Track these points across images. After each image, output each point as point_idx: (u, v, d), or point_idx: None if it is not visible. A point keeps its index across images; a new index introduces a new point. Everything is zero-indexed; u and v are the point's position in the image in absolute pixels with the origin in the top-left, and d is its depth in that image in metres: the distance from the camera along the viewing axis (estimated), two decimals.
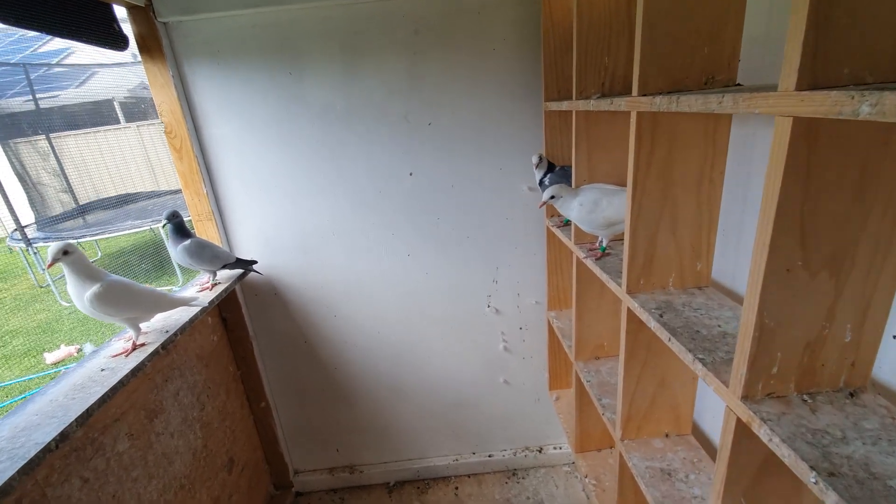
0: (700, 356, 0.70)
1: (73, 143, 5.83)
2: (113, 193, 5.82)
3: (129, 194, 5.80)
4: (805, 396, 0.58)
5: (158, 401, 1.37)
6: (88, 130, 6.07)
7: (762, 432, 0.55)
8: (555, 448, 2.06)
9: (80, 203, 5.59)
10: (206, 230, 1.62)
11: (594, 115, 1.18)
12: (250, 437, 1.86)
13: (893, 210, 0.51)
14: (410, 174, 1.61)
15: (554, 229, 1.52)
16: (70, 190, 5.62)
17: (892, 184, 0.49)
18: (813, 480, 0.48)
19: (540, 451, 2.06)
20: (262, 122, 1.53)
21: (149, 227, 5.10)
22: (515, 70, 1.51)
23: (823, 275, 0.53)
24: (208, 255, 1.42)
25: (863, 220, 0.51)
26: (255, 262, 1.63)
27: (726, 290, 0.96)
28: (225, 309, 1.72)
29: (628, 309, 0.95)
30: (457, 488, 2.02)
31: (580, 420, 1.51)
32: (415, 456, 2.06)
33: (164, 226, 1.33)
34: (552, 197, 1.14)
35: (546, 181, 1.42)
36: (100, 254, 5.86)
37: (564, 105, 1.26)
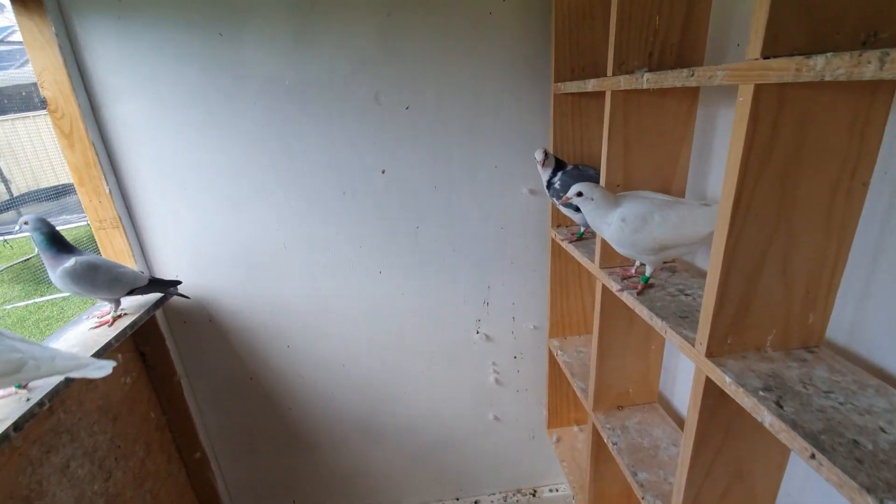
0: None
1: None
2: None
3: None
4: None
5: (35, 483, 0.99)
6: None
7: None
8: (551, 490, 1.78)
9: None
10: (110, 241, 1.22)
11: (637, 96, 0.86)
12: (182, 496, 1.48)
13: None
14: (383, 171, 1.26)
15: (564, 244, 1.21)
16: None
17: None
18: None
19: (534, 495, 1.77)
20: (183, 98, 1.15)
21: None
22: (517, 41, 1.19)
23: None
24: (104, 280, 1.03)
25: None
26: (178, 282, 1.25)
27: (842, 350, 0.67)
28: (142, 341, 1.33)
29: (707, 379, 0.64)
30: None
31: (595, 481, 1.21)
32: None
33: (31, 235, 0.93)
34: (580, 194, 0.81)
35: (556, 183, 1.10)
36: None
37: (591, 85, 0.95)
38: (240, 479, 1.61)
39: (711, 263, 0.60)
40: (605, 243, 0.97)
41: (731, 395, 0.59)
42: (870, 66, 0.38)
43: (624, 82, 0.81)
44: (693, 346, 0.67)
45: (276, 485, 1.64)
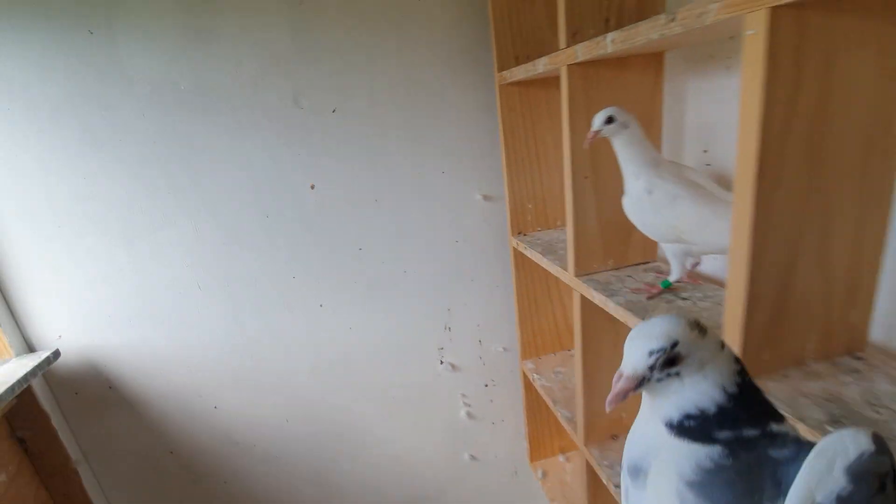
0: None
1: None
2: None
3: None
4: None
5: None
6: None
7: None
8: None
9: None
10: None
11: (597, 71, 0.73)
12: None
13: None
14: (312, 187, 1.07)
15: (528, 252, 1.06)
16: None
17: None
18: None
19: None
20: (51, 111, 0.91)
21: None
22: (453, 29, 1.05)
23: None
24: None
25: None
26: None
27: (884, 350, 0.54)
28: (19, 424, 1.05)
29: None
30: None
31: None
32: None
33: None
34: (611, 121, 0.65)
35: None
36: None
37: (542, 65, 0.81)
38: None
39: (733, 260, 0.46)
40: (579, 245, 0.82)
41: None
42: None
43: (582, 52, 0.67)
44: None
45: None
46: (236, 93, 0.98)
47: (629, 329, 0.65)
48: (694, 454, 0.32)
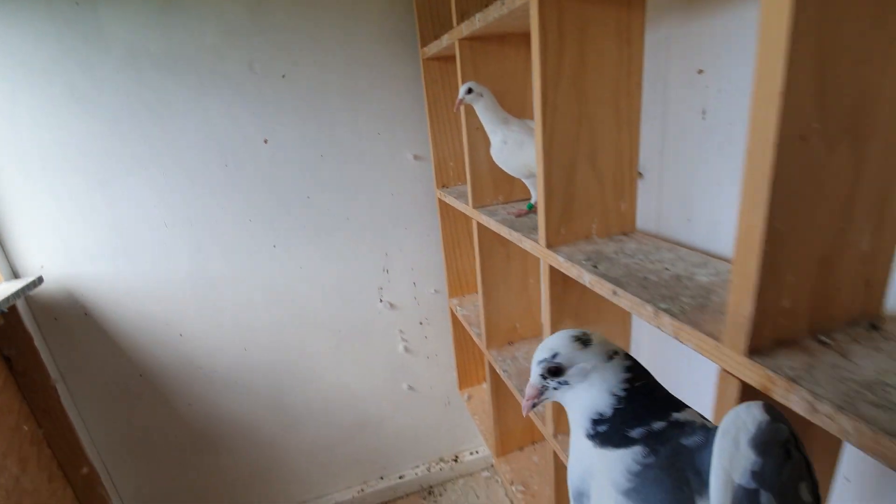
0: (663, 306, 0.50)
1: None
2: None
3: None
4: (822, 337, 0.40)
5: None
6: None
7: (796, 399, 0.35)
8: (471, 454, 1.84)
9: None
10: None
11: (482, 45, 0.97)
12: None
13: None
14: (265, 141, 1.27)
15: (446, 198, 1.29)
16: None
17: None
18: None
19: (456, 461, 1.82)
20: (38, 69, 1.07)
21: None
22: (385, 8, 1.26)
23: (843, 148, 0.35)
24: None
25: (882, 60, 0.34)
26: None
27: (652, 234, 0.80)
28: (6, 343, 1.20)
29: (551, 268, 0.74)
30: None
31: (499, 418, 1.29)
32: (311, 496, 1.70)
33: None
34: (470, 91, 0.88)
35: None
36: None
37: (445, 41, 1.04)
38: (139, 493, 1.49)
39: (537, 166, 0.70)
40: (476, 182, 1.06)
41: (564, 270, 0.69)
42: None
43: (465, 28, 0.90)
44: (537, 243, 0.76)
45: (182, 493, 1.54)
46: (200, 58, 1.16)
47: (517, 248, 0.88)
48: (621, 460, 0.33)
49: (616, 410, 0.35)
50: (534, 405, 0.41)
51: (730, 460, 0.27)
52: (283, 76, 1.23)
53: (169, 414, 1.43)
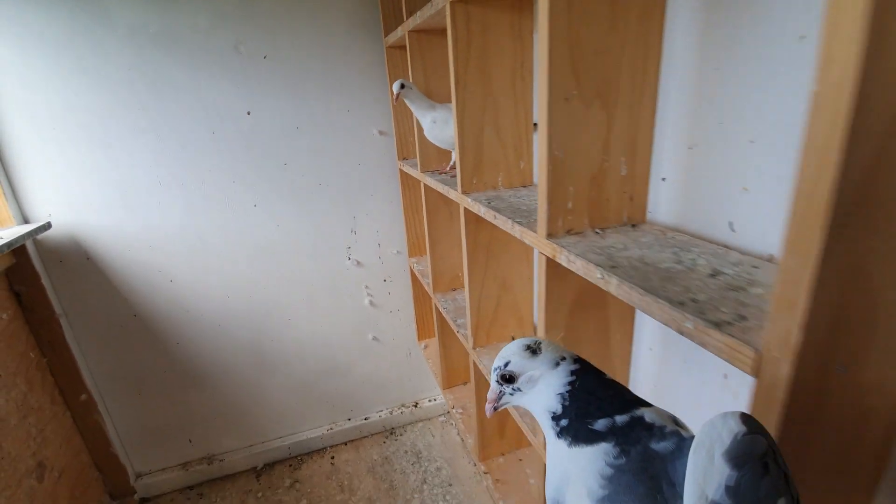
0: (518, 220, 0.73)
1: None
2: None
3: None
4: (597, 230, 0.64)
5: None
6: None
7: (562, 258, 0.59)
8: (429, 401, 2.08)
9: None
10: None
11: (427, 36, 1.19)
12: (69, 439, 1.54)
13: (644, 40, 0.57)
14: (248, 113, 1.47)
15: (405, 168, 1.51)
16: None
17: (638, 12, 0.56)
18: (599, 276, 0.52)
19: (416, 406, 2.06)
20: (52, 43, 1.26)
21: None
22: (357, 3, 1.47)
23: (596, 106, 0.59)
24: None
25: (619, 52, 0.57)
26: None
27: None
28: (16, 280, 1.39)
29: (465, 209, 0.97)
30: (333, 457, 1.92)
31: (445, 356, 1.53)
32: (285, 433, 1.92)
33: None
34: (403, 86, 1.11)
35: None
36: None
37: (399, 32, 1.26)
38: (130, 421, 1.69)
39: (454, 130, 0.93)
40: (423, 153, 1.28)
41: (473, 210, 0.92)
42: None
43: (411, 22, 1.12)
44: (455, 189, 0.99)
45: (169, 425, 1.75)
46: (193, 38, 1.35)
47: (457, 208, 1.10)
48: (593, 462, 0.33)
49: (565, 408, 0.37)
50: (495, 408, 0.44)
51: (703, 474, 0.25)
52: (265, 57, 1.43)
53: (159, 352, 1.63)
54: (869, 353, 0.33)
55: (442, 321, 1.46)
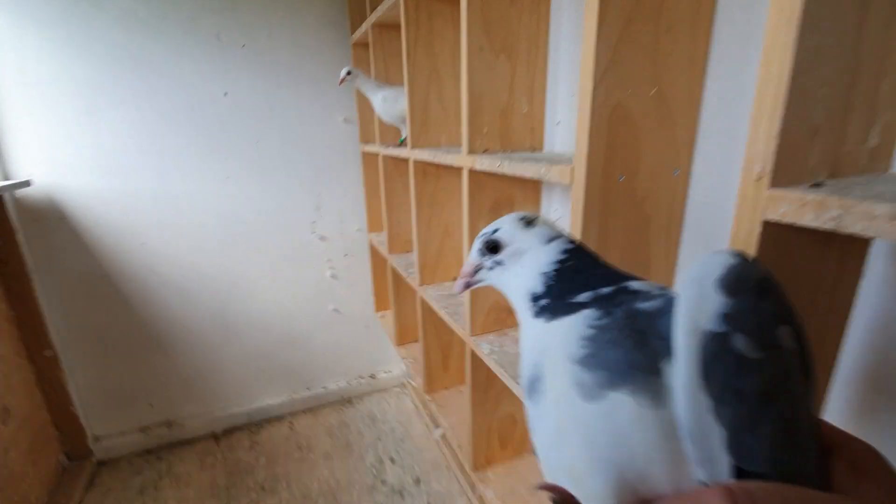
0: (450, 153, 0.96)
1: None
2: None
3: None
4: (507, 153, 0.87)
5: None
6: None
7: (477, 164, 0.81)
8: (385, 373, 2.24)
9: None
10: None
11: (386, 30, 1.43)
12: (31, 394, 1.59)
13: (536, 10, 0.82)
14: (225, 94, 1.65)
15: (366, 148, 1.72)
16: None
17: None
18: (497, 164, 0.74)
19: (373, 378, 2.21)
20: (46, 19, 1.40)
21: None
22: (326, 5, 1.70)
23: (502, 57, 0.83)
24: None
25: (518, 16, 0.82)
26: None
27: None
28: None
29: (414, 161, 1.19)
30: (291, 423, 2.03)
31: (398, 312, 1.71)
32: (245, 400, 2.01)
33: None
34: (349, 73, 1.32)
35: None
36: None
37: (363, 27, 1.49)
38: (93, 382, 1.75)
39: (406, 99, 1.15)
40: (382, 132, 1.51)
41: (419, 158, 1.14)
42: None
43: (373, 20, 1.35)
44: (407, 147, 1.21)
45: (131, 387, 1.81)
46: (177, 24, 1.53)
47: (405, 171, 1.32)
48: (573, 327, 0.29)
49: (548, 287, 0.33)
50: (467, 285, 0.39)
51: (696, 306, 0.23)
52: (244, 46, 1.62)
53: (126, 313, 1.72)
54: (638, 168, 0.57)
55: (397, 280, 1.65)
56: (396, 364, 2.25)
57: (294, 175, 1.82)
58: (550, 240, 0.36)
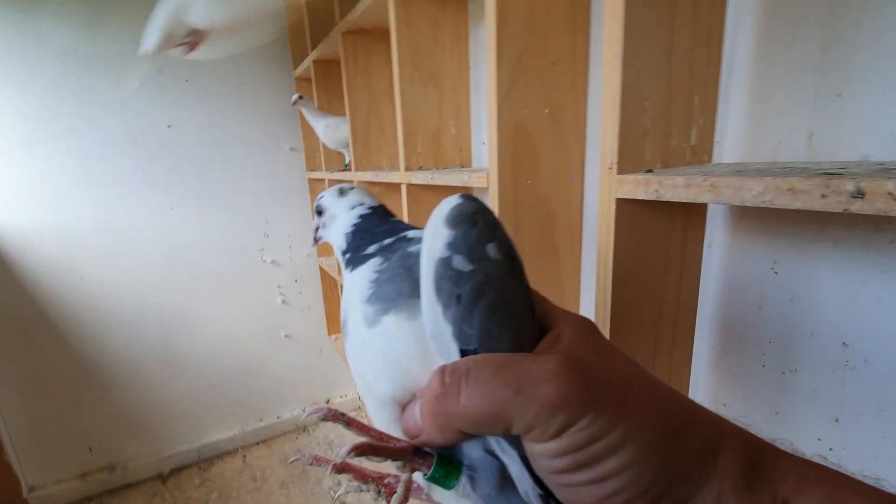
0: (390, 171, 1.07)
1: None
2: None
3: None
4: (440, 169, 0.99)
5: None
6: None
7: (413, 178, 0.92)
8: (341, 397, 2.25)
9: None
10: None
11: (327, 66, 1.54)
12: None
13: (457, 48, 0.97)
14: (169, 126, 1.68)
15: (312, 175, 1.80)
16: None
17: (451, 33, 0.95)
18: (430, 178, 0.86)
19: (327, 402, 2.21)
20: None
21: None
22: (267, 44, 1.79)
23: (430, 87, 0.96)
24: None
25: (442, 53, 0.96)
26: None
27: None
28: None
29: (357, 182, 1.28)
30: (244, 456, 1.99)
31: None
32: (194, 437, 1.95)
33: None
34: (300, 97, 1.41)
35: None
36: None
37: (305, 63, 1.60)
38: (27, 426, 1.65)
39: (347, 127, 1.26)
40: (327, 158, 1.60)
41: (363, 178, 1.24)
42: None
43: (314, 55, 1.46)
44: (351, 170, 1.30)
45: (69, 431, 1.72)
46: (118, 60, 1.56)
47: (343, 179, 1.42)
48: (363, 276, 0.36)
49: (348, 244, 0.41)
50: (315, 240, 0.47)
51: (431, 242, 0.28)
52: (187, 80, 1.68)
53: (63, 351, 1.66)
54: (539, 171, 0.70)
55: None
56: (351, 387, 2.27)
57: (241, 203, 1.86)
58: (353, 207, 0.43)
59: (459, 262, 0.27)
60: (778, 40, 0.52)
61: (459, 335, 0.27)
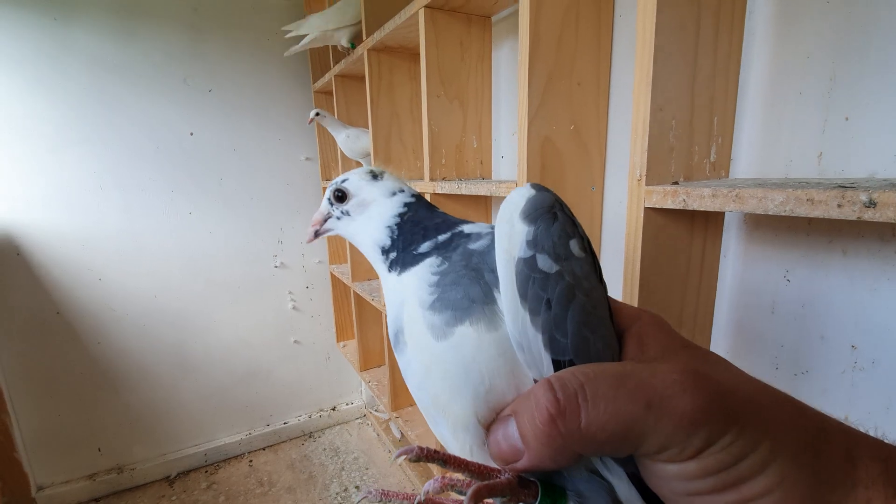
0: (413, 182, 1.11)
1: None
2: None
3: None
4: (462, 180, 1.04)
5: None
6: None
7: (438, 188, 0.97)
8: (347, 404, 2.26)
9: None
10: None
11: (348, 80, 1.60)
12: None
13: (480, 68, 1.02)
14: (191, 134, 1.73)
15: (326, 185, 1.85)
16: None
17: (476, 55, 1.01)
18: (456, 187, 0.90)
19: (333, 410, 2.23)
20: (17, 59, 1.45)
21: None
22: (290, 58, 1.86)
23: (455, 103, 1.01)
24: None
25: (467, 71, 1.01)
26: None
27: None
28: None
29: None
30: (251, 461, 2.00)
31: (362, 338, 1.79)
32: (201, 440, 1.97)
33: None
34: (318, 114, 1.47)
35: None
36: None
37: (326, 77, 1.66)
38: (39, 425, 1.66)
39: (370, 139, 1.31)
40: (344, 166, 1.65)
41: None
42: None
43: (336, 70, 1.52)
44: None
45: (79, 432, 1.74)
46: (146, 69, 1.62)
47: None
48: (420, 276, 0.31)
49: (393, 241, 0.35)
50: (316, 233, 0.41)
51: (508, 240, 0.26)
52: (210, 91, 1.73)
53: (78, 350, 1.68)
54: (564, 184, 0.75)
55: (360, 307, 1.74)
56: (357, 395, 2.29)
57: (257, 210, 1.90)
58: (394, 193, 0.37)
59: (544, 262, 0.25)
60: (790, 68, 0.57)
61: (552, 345, 0.24)
